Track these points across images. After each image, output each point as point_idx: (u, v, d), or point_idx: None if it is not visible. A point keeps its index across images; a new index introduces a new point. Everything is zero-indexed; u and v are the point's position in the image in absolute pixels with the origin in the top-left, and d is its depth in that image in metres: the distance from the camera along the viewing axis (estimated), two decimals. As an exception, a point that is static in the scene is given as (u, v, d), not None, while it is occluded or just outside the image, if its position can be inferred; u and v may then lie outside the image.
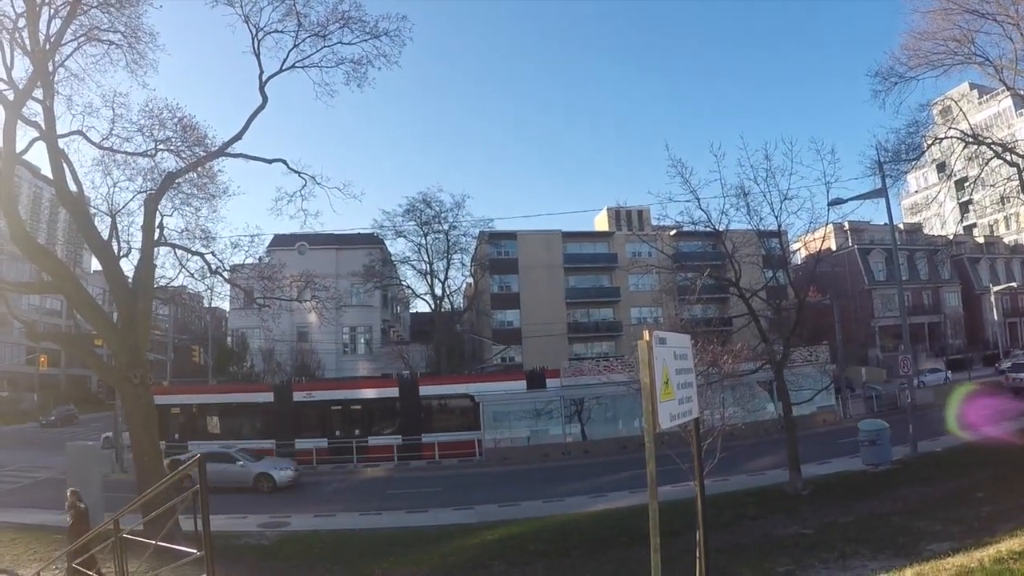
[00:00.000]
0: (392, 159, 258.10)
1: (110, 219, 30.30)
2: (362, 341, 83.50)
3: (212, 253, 33.13)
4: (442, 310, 76.93)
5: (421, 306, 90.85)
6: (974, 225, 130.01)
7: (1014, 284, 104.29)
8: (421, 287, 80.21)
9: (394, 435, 48.63)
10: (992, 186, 44.78)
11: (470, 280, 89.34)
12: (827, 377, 47.54)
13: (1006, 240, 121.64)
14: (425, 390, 50.71)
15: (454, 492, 35.44)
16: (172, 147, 30.23)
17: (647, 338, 8.96)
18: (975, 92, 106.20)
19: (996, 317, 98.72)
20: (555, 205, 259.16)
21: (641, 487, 28.44)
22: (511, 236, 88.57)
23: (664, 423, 9.24)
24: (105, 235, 28.22)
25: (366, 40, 29.55)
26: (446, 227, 74.49)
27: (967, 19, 37.18)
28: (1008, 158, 39.51)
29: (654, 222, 39.20)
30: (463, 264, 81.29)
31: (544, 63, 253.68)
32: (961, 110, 42.98)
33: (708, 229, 29.30)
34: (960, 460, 30.16)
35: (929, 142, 40.67)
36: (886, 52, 55.46)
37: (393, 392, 51.07)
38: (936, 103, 45.24)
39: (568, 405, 49.36)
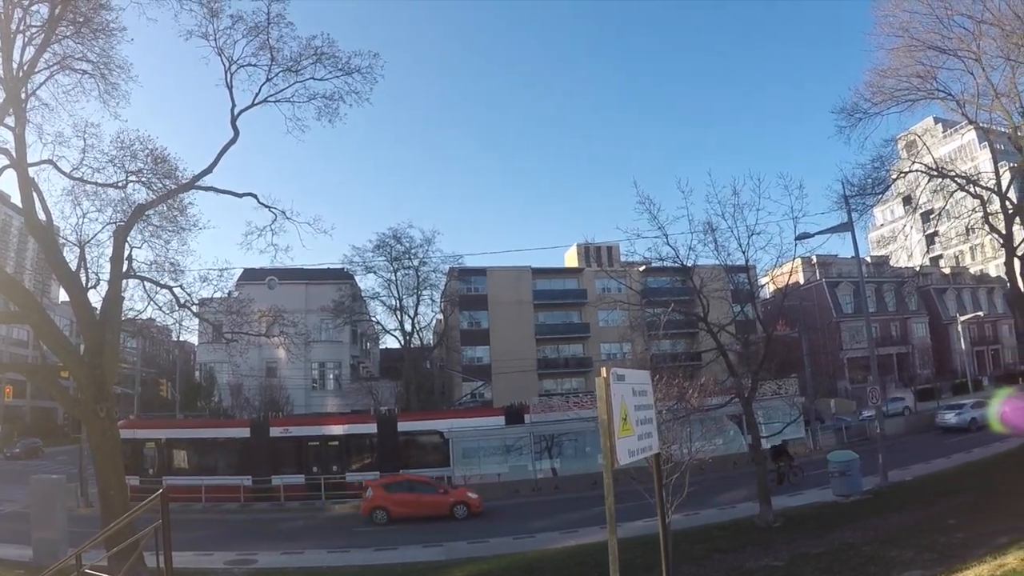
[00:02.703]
0: (362, 195, 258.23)
1: (79, 250, 29.99)
2: (331, 377, 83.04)
3: (181, 286, 32.81)
4: (412, 346, 76.27)
5: (391, 342, 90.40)
6: (940, 256, 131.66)
7: (981, 313, 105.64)
8: (391, 323, 79.71)
9: (372, 471, 47.83)
10: (957, 218, 45.47)
11: (440, 316, 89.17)
12: (796, 409, 47.76)
13: (972, 270, 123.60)
14: (404, 426, 50.62)
15: (423, 529, 34.99)
16: (143, 179, 29.96)
17: (604, 375, 9.07)
18: (939, 126, 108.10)
19: (964, 346, 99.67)
20: (525, 242, 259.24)
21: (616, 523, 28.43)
22: (481, 272, 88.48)
23: (623, 459, 9.36)
24: (73, 266, 27.95)
25: (338, 76, 29.61)
26: (416, 263, 74.01)
27: (930, 55, 37.94)
28: (972, 190, 40.16)
29: (623, 258, 39.52)
30: (433, 300, 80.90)
31: (513, 101, 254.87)
32: (925, 144, 43.65)
33: (676, 265, 29.41)
34: (931, 489, 30.25)
35: (895, 176, 41.30)
36: (851, 88, 56.13)
37: (371, 428, 50.74)
38: (901, 138, 45.86)
39: (538, 441, 49.17)
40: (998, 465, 34.14)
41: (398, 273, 74.13)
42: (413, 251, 73.74)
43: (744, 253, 28.62)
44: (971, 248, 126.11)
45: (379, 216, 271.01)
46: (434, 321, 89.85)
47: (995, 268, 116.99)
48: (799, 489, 35.24)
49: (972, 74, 38.23)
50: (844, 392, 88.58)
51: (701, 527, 27.21)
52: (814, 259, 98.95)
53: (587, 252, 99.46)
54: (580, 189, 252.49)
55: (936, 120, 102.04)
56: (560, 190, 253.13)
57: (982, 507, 23.34)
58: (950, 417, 57.65)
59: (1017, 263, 39.34)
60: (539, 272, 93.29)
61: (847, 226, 36.52)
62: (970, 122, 42.06)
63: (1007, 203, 39.82)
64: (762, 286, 48.61)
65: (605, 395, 8.94)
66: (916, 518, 23.65)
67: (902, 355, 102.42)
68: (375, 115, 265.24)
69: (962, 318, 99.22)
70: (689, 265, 29.10)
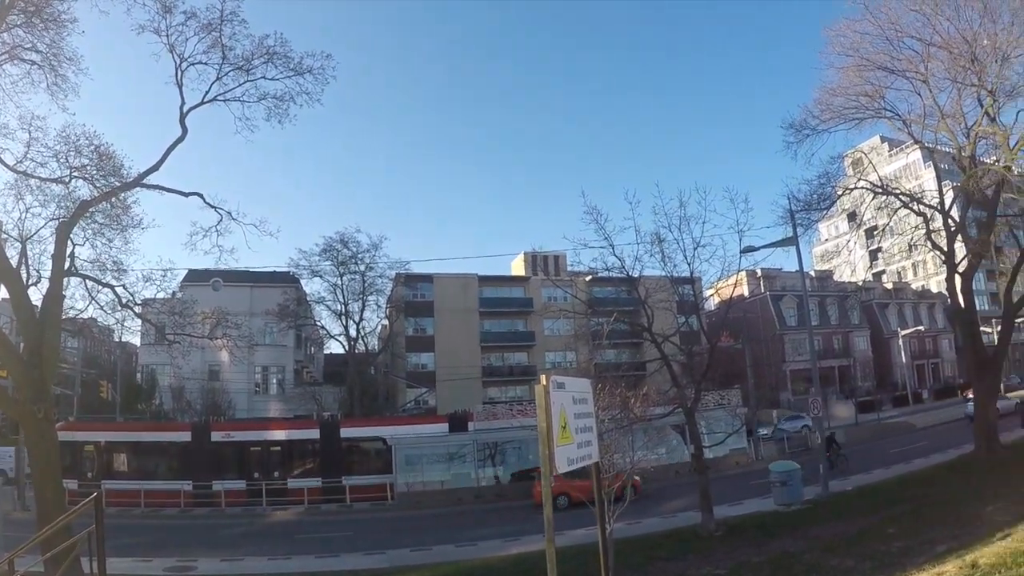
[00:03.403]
0: (310, 198, 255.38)
1: (20, 245, 29.54)
2: (274, 381, 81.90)
3: (123, 286, 32.41)
4: (356, 351, 75.81)
5: (335, 347, 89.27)
6: (883, 272, 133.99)
7: (921, 328, 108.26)
8: (336, 328, 78.37)
9: (313, 478, 47.68)
10: (901, 235, 46.27)
11: (385, 322, 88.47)
12: (739, 420, 48.19)
13: (913, 286, 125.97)
14: (347, 432, 50.02)
15: (366, 536, 34.89)
16: (87, 175, 29.45)
17: (544, 383, 9.06)
18: (885, 145, 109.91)
19: (904, 360, 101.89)
20: (473, 249, 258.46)
21: (556, 530, 28.39)
22: (427, 279, 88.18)
23: (561, 467, 9.40)
24: (14, 262, 27.49)
25: (290, 76, 29.43)
26: (362, 268, 73.51)
27: (879, 76, 38.74)
28: (916, 208, 40.91)
29: (569, 268, 39.38)
30: (379, 305, 79.96)
31: (462, 109, 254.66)
32: (871, 162, 44.46)
33: (622, 275, 29.43)
34: (871, 498, 30.53)
35: (840, 192, 41.98)
36: (800, 105, 57.08)
37: (313, 434, 50.20)
38: (847, 155, 46.61)
39: (482, 449, 49.08)
40: (936, 475, 34.58)
41: (344, 278, 73.53)
42: (360, 256, 73.28)
43: (690, 265, 28.74)
44: (913, 264, 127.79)
45: (326, 220, 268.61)
46: (379, 327, 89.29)
47: (936, 284, 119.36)
48: (741, 498, 35.45)
49: (919, 95, 39.15)
50: (786, 403, 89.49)
51: (643, 535, 27.26)
52: (759, 272, 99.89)
53: (534, 261, 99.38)
54: (528, 198, 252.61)
55: (882, 139, 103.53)
56: (508, 199, 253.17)
57: (921, 516, 23.64)
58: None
59: (958, 279, 40.10)
60: (486, 280, 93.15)
61: (792, 240, 36.89)
62: (916, 142, 42.82)
63: (950, 221, 40.63)
64: (707, 298, 48.98)
65: (544, 403, 8.95)
66: (856, 527, 23.85)
67: (844, 367, 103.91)
68: (325, 117, 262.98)
69: (903, 332, 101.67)
70: (635, 276, 29.13)
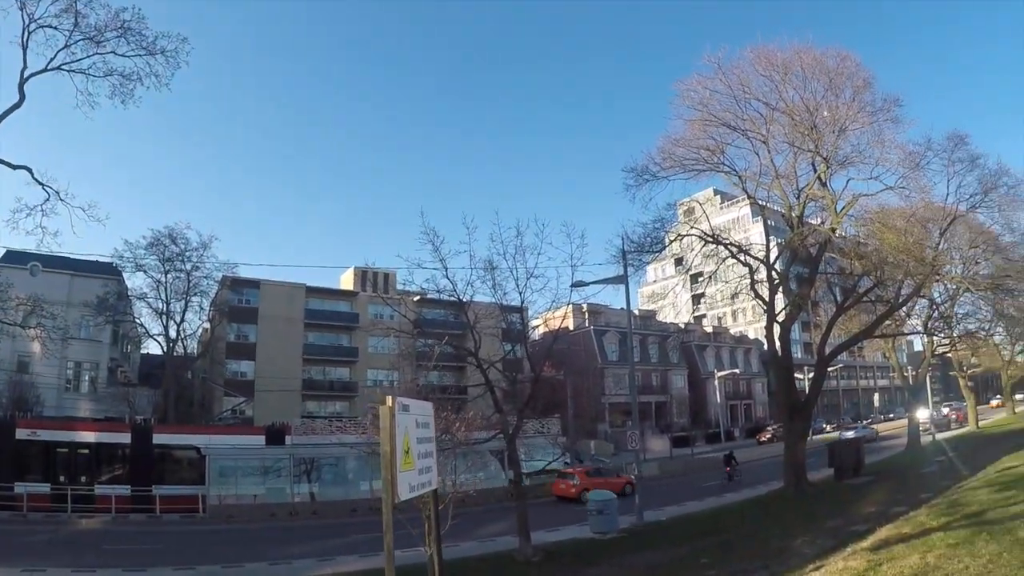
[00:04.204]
0: (143, 187, 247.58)
1: None
2: (87, 379, 77.37)
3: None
4: (175, 354, 72.48)
5: (153, 348, 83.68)
6: (704, 316, 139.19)
7: (737, 370, 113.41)
8: (155, 327, 74.46)
9: (123, 484, 44.84)
10: (726, 282, 48.13)
11: (207, 325, 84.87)
12: (558, 448, 48.79)
13: (732, 331, 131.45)
14: (160, 438, 47.48)
15: (177, 551, 33.11)
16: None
17: (390, 404, 8.86)
18: (718, 197, 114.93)
19: (719, 399, 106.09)
20: (304, 258, 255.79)
21: (370, 552, 28.04)
22: (254, 284, 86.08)
23: (403, 493, 9.18)
24: None
25: (141, 55, 28.39)
26: (189, 267, 69.82)
27: (722, 132, 40.38)
28: (743, 259, 42.37)
29: (399, 286, 39.04)
30: (202, 308, 76.38)
31: (306, 117, 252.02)
32: (704, 212, 45.85)
33: (452, 298, 29.39)
34: (685, 529, 31.22)
35: (672, 238, 43.28)
36: (644, 151, 58.69)
37: (125, 438, 47.09)
38: (682, 203, 48.22)
39: (298, 464, 47.80)
40: (747, 509, 35.74)
41: (169, 275, 69.58)
42: (188, 254, 69.52)
43: (520, 294, 28.80)
44: (734, 311, 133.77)
45: (157, 213, 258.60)
46: (200, 330, 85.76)
47: (754, 331, 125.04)
48: (558, 525, 35.70)
49: (758, 154, 41.01)
50: (604, 435, 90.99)
51: (460, 559, 27.04)
52: (585, 307, 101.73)
53: (364, 276, 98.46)
54: (365, 213, 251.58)
55: (716, 191, 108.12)
56: (346, 211, 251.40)
57: (733, 547, 24.31)
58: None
59: (777, 328, 41.81)
60: (313, 291, 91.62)
61: (622, 279, 37.54)
62: (749, 197, 44.39)
63: (773, 274, 42.40)
64: (534, 327, 49.50)
65: (389, 425, 8.74)
66: (670, 556, 24.34)
67: (661, 403, 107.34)
68: (167, 104, 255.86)
69: (719, 373, 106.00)
70: (465, 300, 29.17)
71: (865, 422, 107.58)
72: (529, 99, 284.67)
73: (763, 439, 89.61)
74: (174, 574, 27.75)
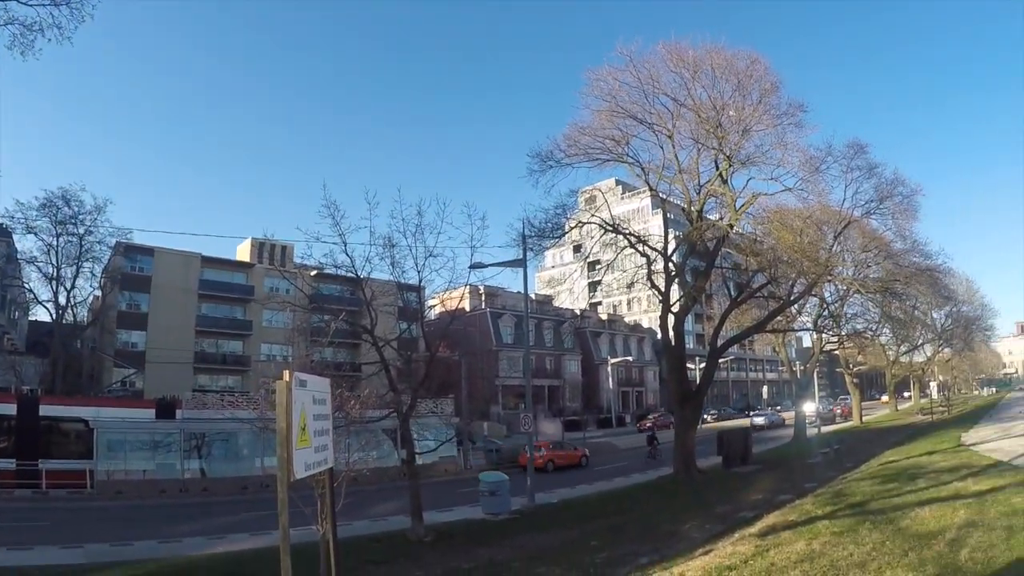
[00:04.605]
0: (39, 145, 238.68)
1: None
2: (-30, 345, 75.41)
3: None
4: (64, 322, 70.71)
5: (42, 314, 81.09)
6: (600, 303, 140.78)
7: (630, 358, 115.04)
8: (45, 293, 71.74)
9: (7, 459, 42.50)
10: (623, 271, 48.83)
11: (98, 293, 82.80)
12: (451, 429, 49.09)
13: (627, 319, 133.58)
14: (47, 410, 45.02)
15: (63, 527, 32.06)
16: None
17: (287, 379, 8.66)
18: (620, 188, 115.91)
19: (611, 386, 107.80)
20: (202, 227, 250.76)
21: (263, 529, 27.93)
22: (148, 252, 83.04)
23: (299, 472, 9.01)
24: None
25: (45, 4, 27.36)
26: (82, 231, 67.79)
27: (629, 124, 41.04)
28: (641, 249, 43.05)
29: (298, 260, 38.47)
30: (93, 275, 74.70)
31: (208, 84, 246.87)
32: (606, 201, 46.36)
33: (350, 274, 29.15)
34: (576, 512, 31.59)
35: (573, 224, 43.64)
36: (550, 138, 59.06)
37: (9, 409, 44.39)
38: (584, 191, 48.71)
39: (188, 439, 46.66)
40: (637, 494, 36.35)
41: (61, 239, 67.14)
42: (81, 217, 67.18)
43: (419, 273, 28.68)
44: (629, 300, 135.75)
45: (52, 174, 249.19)
46: (91, 298, 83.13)
47: (648, 320, 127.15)
48: (450, 505, 35.91)
49: (662, 148, 41.89)
50: (497, 417, 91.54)
51: (354, 538, 26.91)
52: (482, 289, 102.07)
53: (261, 248, 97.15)
54: (265, 182, 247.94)
55: (618, 182, 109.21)
56: (246, 180, 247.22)
57: (623, 530, 24.68)
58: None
59: (671, 318, 42.57)
60: (209, 261, 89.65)
61: (521, 262, 37.65)
62: (651, 190, 45.14)
63: (670, 265, 43.20)
64: (431, 307, 49.47)
65: (285, 401, 8.53)
66: (562, 538, 24.60)
67: (554, 387, 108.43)
68: (65, 61, 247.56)
69: (612, 360, 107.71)
70: (363, 276, 28.95)
71: (773, 409, 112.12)
72: (436, 81, 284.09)
73: (644, 427, 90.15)
74: (61, 552, 26.91)
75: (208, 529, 31.48)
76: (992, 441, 43.06)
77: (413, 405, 29.83)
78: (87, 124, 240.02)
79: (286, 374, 8.73)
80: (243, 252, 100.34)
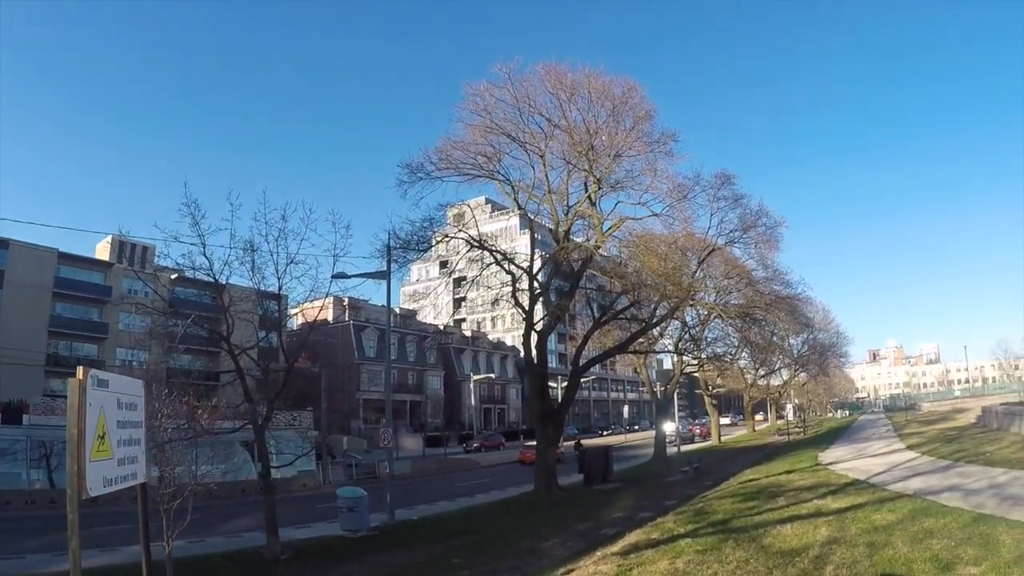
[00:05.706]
0: None
1: None
2: None
3: None
4: None
5: None
6: (464, 320, 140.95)
7: (492, 375, 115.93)
8: None
9: None
10: (488, 288, 49.12)
11: None
12: (309, 443, 48.29)
13: (490, 337, 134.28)
14: None
15: None
16: None
17: (80, 377, 7.98)
18: (489, 206, 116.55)
19: (474, 402, 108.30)
20: (61, 219, 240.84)
21: (115, 545, 26.71)
22: (3, 244, 78.24)
23: (95, 488, 8.37)
24: None
25: None
26: None
27: (502, 141, 41.37)
28: (507, 267, 43.28)
29: (157, 260, 37.32)
30: None
31: (69, 85, 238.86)
32: (474, 217, 46.65)
33: (208, 278, 28.41)
34: (436, 528, 31.28)
35: (439, 239, 43.59)
36: (421, 149, 58.94)
37: None
38: (453, 208, 48.74)
39: (36, 447, 44.74)
40: (498, 511, 36.21)
41: None
42: None
43: (279, 279, 28.11)
44: (493, 317, 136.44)
45: None
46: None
47: (512, 338, 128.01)
48: (308, 521, 35.29)
49: (533, 167, 42.36)
50: (357, 431, 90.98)
51: (205, 556, 26.11)
52: (345, 300, 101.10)
53: (121, 247, 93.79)
54: (127, 176, 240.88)
55: (487, 200, 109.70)
56: (106, 178, 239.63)
57: (484, 547, 24.59)
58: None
59: (535, 337, 42.84)
60: (66, 258, 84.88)
61: (385, 274, 37.43)
62: (520, 208, 45.36)
63: (535, 284, 43.52)
64: (291, 316, 48.80)
65: (78, 403, 7.88)
66: (423, 555, 24.36)
67: (416, 403, 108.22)
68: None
69: (475, 377, 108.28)
70: (222, 281, 28.21)
71: (630, 428, 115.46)
72: (308, 83, 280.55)
73: (472, 447, 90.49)
74: None
75: (56, 544, 29.90)
76: (848, 460, 44.45)
77: (269, 417, 29.15)
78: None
79: (80, 371, 8.08)
80: (102, 251, 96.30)
